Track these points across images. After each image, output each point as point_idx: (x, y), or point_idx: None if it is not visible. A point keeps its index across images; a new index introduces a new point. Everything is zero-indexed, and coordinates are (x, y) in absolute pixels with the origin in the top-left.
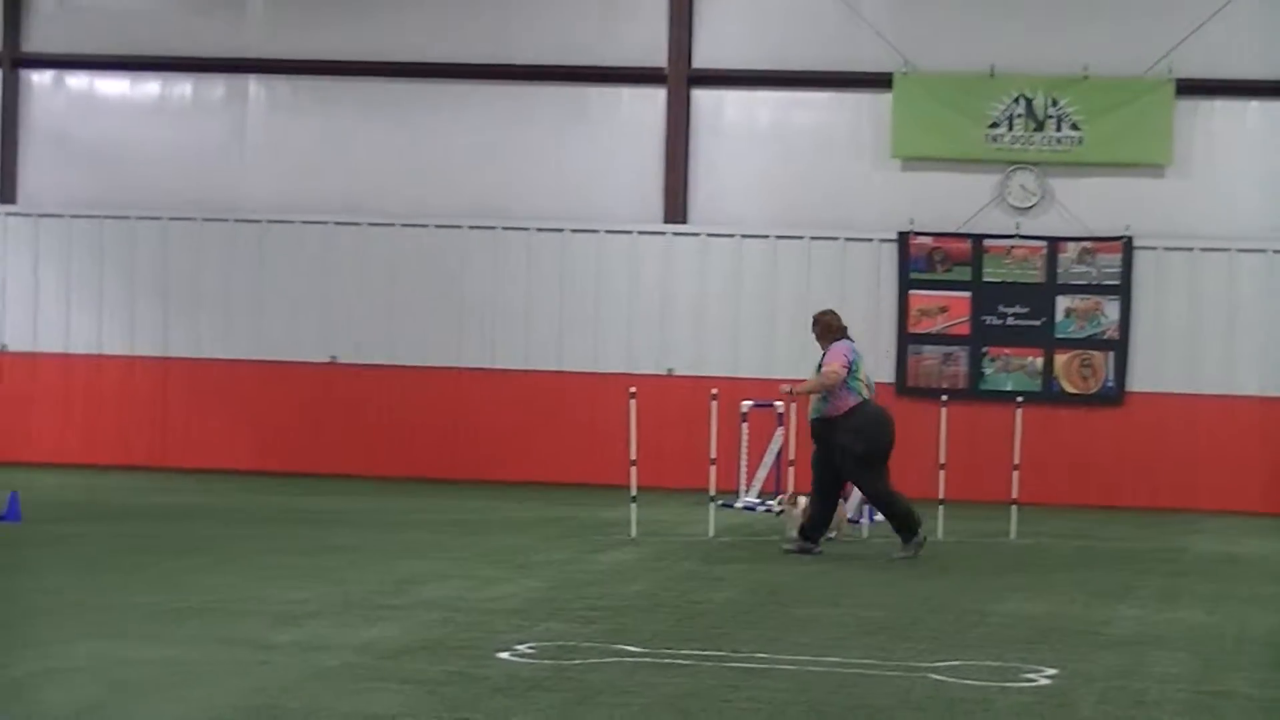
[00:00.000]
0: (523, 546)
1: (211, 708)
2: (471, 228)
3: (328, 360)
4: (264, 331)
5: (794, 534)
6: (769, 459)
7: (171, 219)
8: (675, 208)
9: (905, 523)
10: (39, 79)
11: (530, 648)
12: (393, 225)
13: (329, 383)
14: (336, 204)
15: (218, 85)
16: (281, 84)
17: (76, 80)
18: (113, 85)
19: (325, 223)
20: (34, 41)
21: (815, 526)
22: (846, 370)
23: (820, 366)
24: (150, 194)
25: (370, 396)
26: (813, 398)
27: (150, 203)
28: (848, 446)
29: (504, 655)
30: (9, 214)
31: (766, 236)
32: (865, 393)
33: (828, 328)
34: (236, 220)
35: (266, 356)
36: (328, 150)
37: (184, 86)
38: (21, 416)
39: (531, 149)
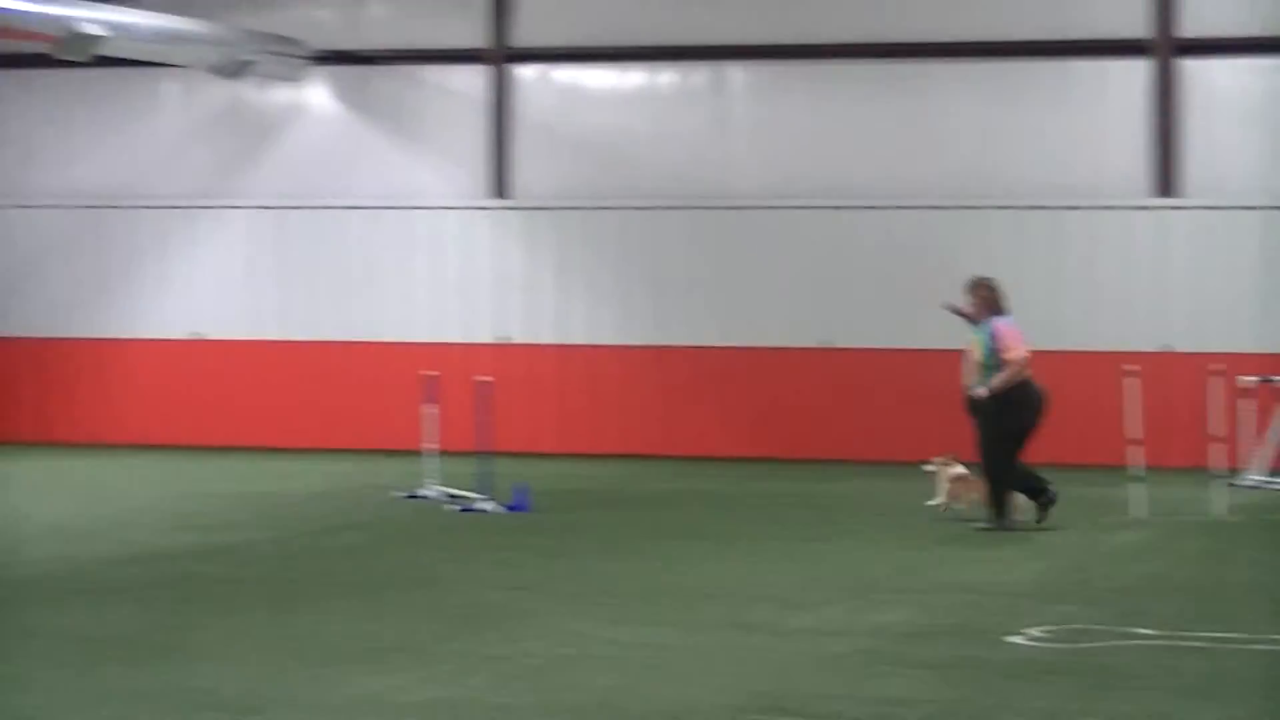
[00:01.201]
0: (1026, 528)
1: (725, 692)
2: (961, 208)
3: (819, 344)
4: (756, 317)
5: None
6: (1274, 435)
7: (662, 208)
8: (1166, 181)
9: (1002, 508)
10: (528, 73)
11: (1041, 631)
12: (880, 208)
13: (821, 366)
14: (823, 188)
15: (702, 72)
16: (764, 69)
17: (563, 73)
18: (599, 76)
19: (813, 207)
20: (522, 37)
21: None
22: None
23: (987, 347)
24: (640, 183)
25: (867, 379)
26: (975, 375)
27: (640, 192)
28: (1000, 417)
29: (1014, 639)
30: (505, 208)
31: (1264, 208)
32: (1027, 369)
33: (987, 300)
34: (725, 207)
35: (760, 342)
36: (813, 134)
37: (668, 75)
38: (525, 406)
39: (1016, 126)
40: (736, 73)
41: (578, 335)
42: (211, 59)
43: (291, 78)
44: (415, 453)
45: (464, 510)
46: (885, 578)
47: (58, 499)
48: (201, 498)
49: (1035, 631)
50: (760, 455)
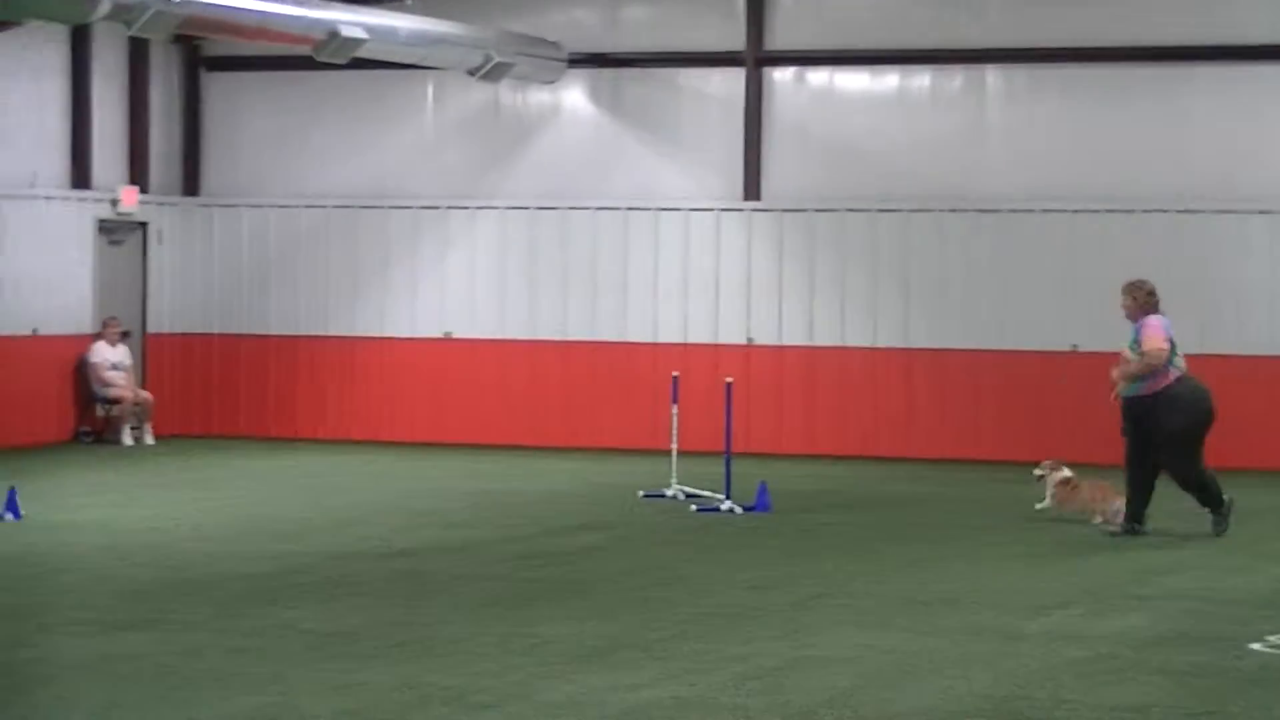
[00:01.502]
0: (1264, 534)
1: (960, 697)
2: (1214, 212)
3: (1069, 349)
4: (1005, 321)
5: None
6: None
7: (912, 211)
8: None
9: (1213, 500)
10: (781, 76)
11: None
12: (1132, 212)
13: (1068, 370)
14: (1075, 192)
15: (955, 76)
16: (1019, 72)
17: (817, 76)
18: (852, 80)
19: (1065, 210)
20: (777, 40)
21: (1137, 506)
22: (1169, 348)
23: (1135, 344)
24: (890, 186)
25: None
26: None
27: (890, 195)
28: (1167, 424)
29: (1256, 646)
30: (755, 210)
31: None
32: (1183, 365)
33: (1144, 304)
34: (977, 210)
35: (1007, 346)
36: (1066, 138)
37: (922, 79)
38: (771, 408)
39: (1271, 130)
40: (991, 76)
41: (825, 337)
42: (469, 61)
43: (548, 80)
44: (660, 452)
45: (702, 510)
46: (1123, 583)
47: (300, 494)
48: (444, 494)
49: (1276, 639)
50: (1003, 459)
